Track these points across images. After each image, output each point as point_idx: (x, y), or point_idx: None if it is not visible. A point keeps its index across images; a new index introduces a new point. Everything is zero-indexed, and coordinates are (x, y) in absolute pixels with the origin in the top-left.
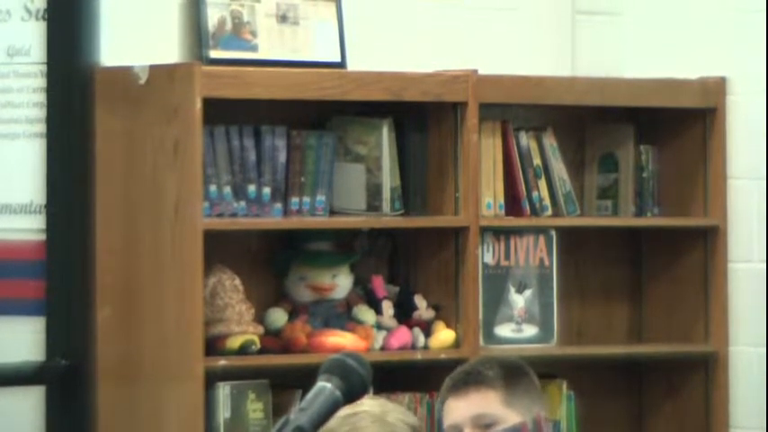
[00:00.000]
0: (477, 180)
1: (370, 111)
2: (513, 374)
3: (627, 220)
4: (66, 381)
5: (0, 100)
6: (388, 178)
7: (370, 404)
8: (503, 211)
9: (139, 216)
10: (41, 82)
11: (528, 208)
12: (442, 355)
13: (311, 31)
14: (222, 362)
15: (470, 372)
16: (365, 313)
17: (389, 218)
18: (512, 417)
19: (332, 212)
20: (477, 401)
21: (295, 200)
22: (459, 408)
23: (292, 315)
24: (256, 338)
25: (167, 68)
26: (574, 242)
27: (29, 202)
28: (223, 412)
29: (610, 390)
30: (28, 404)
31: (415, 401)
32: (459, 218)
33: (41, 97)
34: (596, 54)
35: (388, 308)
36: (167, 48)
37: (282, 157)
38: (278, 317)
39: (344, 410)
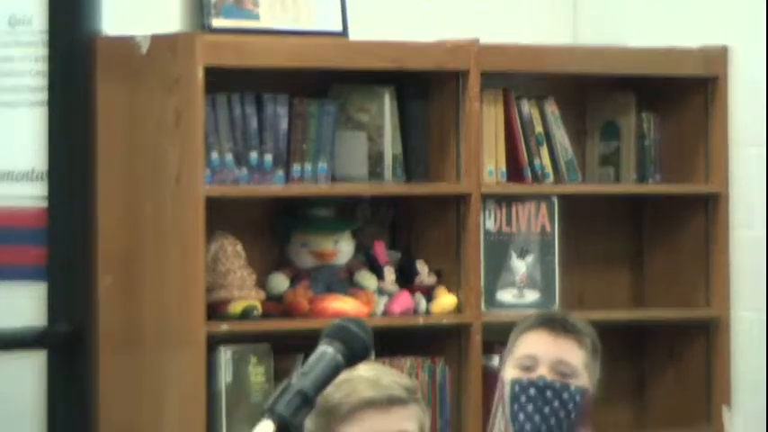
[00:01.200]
0: (479, 147)
1: (372, 79)
2: (597, 345)
3: (628, 187)
4: (68, 346)
5: (2, 69)
6: (390, 146)
7: (363, 369)
8: (504, 179)
9: (141, 183)
10: (43, 51)
11: (530, 175)
12: (444, 321)
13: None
14: (224, 327)
15: (569, 320)
16: (367, 279)
17: (391, 185)
18: (583, 378)
19: (334, 180)
20: (567, 348)
21: (297, 167)
22: (546, 344)
23: (294, 281)
24: (258, 304)
25: (169, 38)
26: (575, 209)
27: (30, 169)
28: (225, 377)
29: (611, 355)
30: (30, 369)
31: (416, 366)
32: (461, 185)
33: (43, 66)
34: (598, 23)
35: (389, 273)
36: (169, 17)
37: (284, 124)
38: (280, 282)
39: (340, 377)
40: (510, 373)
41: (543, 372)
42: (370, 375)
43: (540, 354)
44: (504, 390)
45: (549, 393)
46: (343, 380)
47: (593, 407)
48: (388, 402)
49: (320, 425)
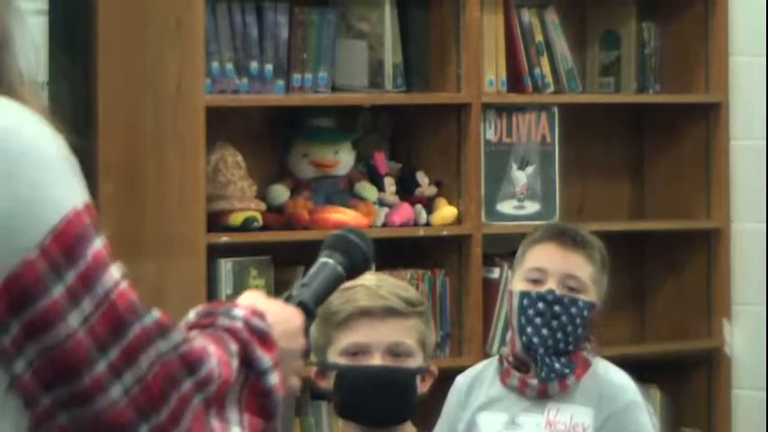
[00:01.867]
0: (479, 57)
1: None
2: (605, 259)
3: (629, 96)
4: None
5: None
6: (391, 55)
7: (368, 278)
8: (505, 88)
9: (142, 93)
10: None
11: (530, 85)
12: (444, 232)
13: None
14: (224, 238)
15: (579, 233)
16: (367, 190)
17: (391, 94)
18: (591, 293)
19: (334, 89)
20: (575, 262)
21: (297, 76)
22: (555, 257)
23: (294, 191)
24: (258, 215)
25: None
26: (576, 119)
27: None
28: (225, 288)
29: (611, 266)
30: None
31: (417, 277)
32: (461, 95)
33: None
34: None
35: (390, 184)
36: None
37: (285, 33)
38: (280, 193)
39: (344, 284)
40: (518, 285)
41: (552, 285)
42: (371, 284)
43: (549, 267)
44: (513, 301)
45: (557, 307)
46: (345, 287)
47: (598, 320)
48: (384, 313)
49: (320, 330)
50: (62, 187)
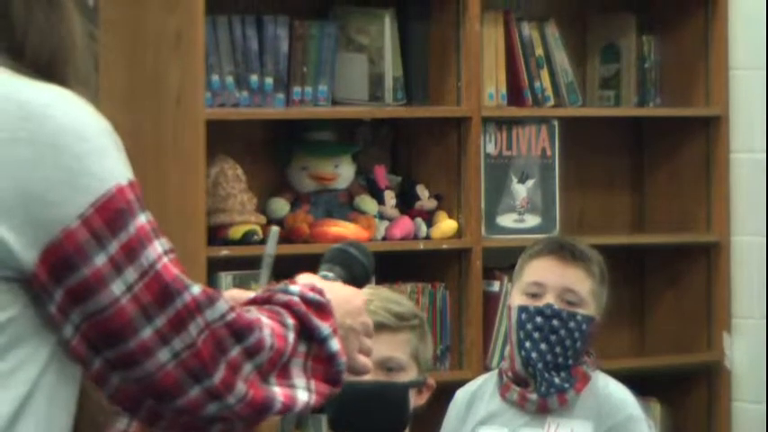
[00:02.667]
0: (480, 70)
1: (372, 0)
2: (604, 273)
3: (629, 110)
4: None
5: None
6: (391, 68)
7: (364, 292)
8: (505, 101)
9: (142, 106)
10: None
11: (530, 98)
12: (444, 245)
13: None
14: (224, 251)
15: (577, 247)
16: (367, 203)
17: (391, 108)
18: (590, 307)
19: (334, 102)
20: (573, 276)
21: (297, 90)
22: (554, 271)
23: (294, 205)
24: (258, 228)
25: None
26: (576, 132)
27: None
28: None
29: (611, 279)
30: None
31: (417, 291)
32: (461, 108)
33: None
34: None
35: (390, 198)
36: None
37: (285, 46)
38: (280, 206)
39: None
40: (517, 299)
41: (550, 299)
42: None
43: (548, 281)
44: (511, 316)
45: (555, 322)
46: None
47: (598, 333)
48: (374, 328)
49: None
50: (106, 162)
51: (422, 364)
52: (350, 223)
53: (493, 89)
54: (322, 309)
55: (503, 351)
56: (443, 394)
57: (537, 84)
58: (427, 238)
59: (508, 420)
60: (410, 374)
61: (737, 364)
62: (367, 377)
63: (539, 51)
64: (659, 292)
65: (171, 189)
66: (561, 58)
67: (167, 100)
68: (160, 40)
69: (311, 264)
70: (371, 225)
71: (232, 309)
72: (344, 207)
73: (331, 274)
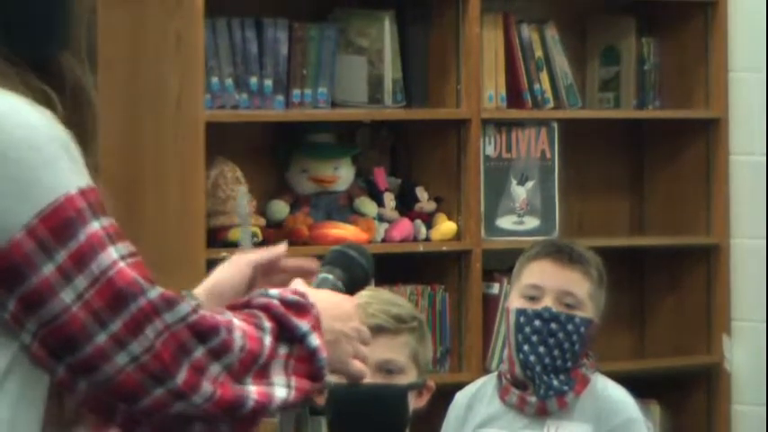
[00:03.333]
0: (479, 72)
1: (372, 3)
2: (603, 275)
3: (628, 112)
4: None
5: None
6: (390, 70)
7: (361, 294)
8: (504, 104)
9: (141, 108)
10: None
11: (530, 100)
12: (444, 248)
13: None
14: (224, 254)
15: (575, 250)
16: (367, 205)
17: (391, 110)
18: (588, 309)
19: (333, 105)
20: (572, 279)
21: (297, 92)
22: (552, 274)
23: (294, 207)
24: (258, 230)
25: None
26: (575, 134)
27: None
28: None
29: (611, 282)
30: None
31: (416, 293)
32: (460, 110)
33: None
34: None
35: (389, 200)
36: None
37: (284, 49)
38: (279, 209)
39: None
40: (515, 302)
41: (548, 302)
42: (361, 302)
43: (546, 284)
44: (509, 319)
45: (553, 325)
46: None
47: (596, 335)
48: (373, 331)
49: None
50: (54, 171)
51: (421, 367)
52: (349, 225)
53: (492, 91)
54: (300, 308)
55: (502, 353)
56: (443, 396)
57: (536, 86)
58: (427, 240)
59: (508, 423)
60: (409, 377)
61: (737, 366)
62: (366, 379)
63: (538, 53)
64: (659, 294)
65: (170, 191)
66: (561, 61)
67: (167, 102)
68: (160, 42)
69: None
70: (371, 227)
71: (195, 311)
72: (344, 209)
73: (331, 276)
